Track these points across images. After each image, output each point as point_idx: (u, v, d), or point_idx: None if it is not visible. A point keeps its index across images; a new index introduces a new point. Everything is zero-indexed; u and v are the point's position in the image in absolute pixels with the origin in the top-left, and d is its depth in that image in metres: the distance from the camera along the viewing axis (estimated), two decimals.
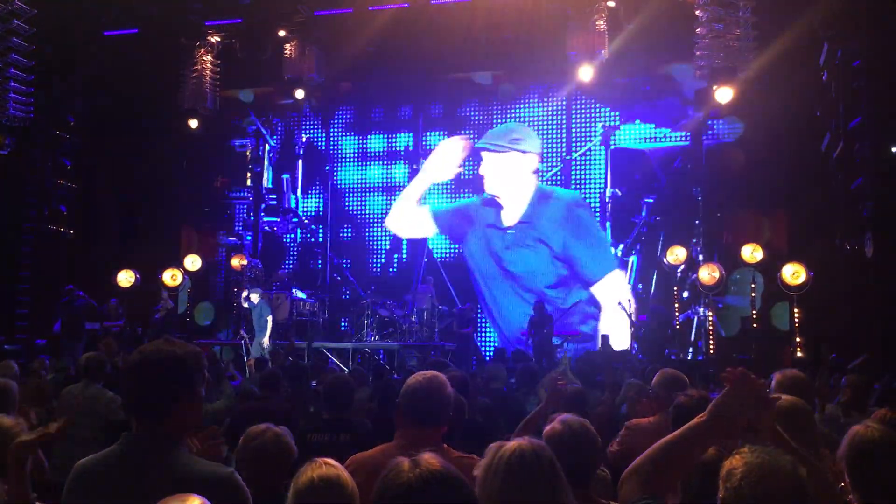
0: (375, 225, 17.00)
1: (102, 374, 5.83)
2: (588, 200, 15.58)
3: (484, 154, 15.27)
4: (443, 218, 15.96)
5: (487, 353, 14.71)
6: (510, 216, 15.27)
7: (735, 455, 1.87)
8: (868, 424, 2.53)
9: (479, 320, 15.57)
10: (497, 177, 15.22)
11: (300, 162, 17.56)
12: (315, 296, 15.69)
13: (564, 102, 15.87)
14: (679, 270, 13.95)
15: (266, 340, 13.20)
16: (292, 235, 17.60)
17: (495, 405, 5.53)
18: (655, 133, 15.36)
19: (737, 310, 13.62)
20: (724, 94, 12.39)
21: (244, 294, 14.38)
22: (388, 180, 16.98)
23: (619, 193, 15.15)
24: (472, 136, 15.88)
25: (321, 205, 17.40)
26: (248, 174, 17.48)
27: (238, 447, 2.98)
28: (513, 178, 15.15)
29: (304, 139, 17.58)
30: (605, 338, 12.95)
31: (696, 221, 14.46)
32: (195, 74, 15.35)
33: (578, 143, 15.78)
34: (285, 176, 17.38)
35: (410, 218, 15.97)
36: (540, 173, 15.40)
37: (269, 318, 13.44)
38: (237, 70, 15.88)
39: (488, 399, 5.63)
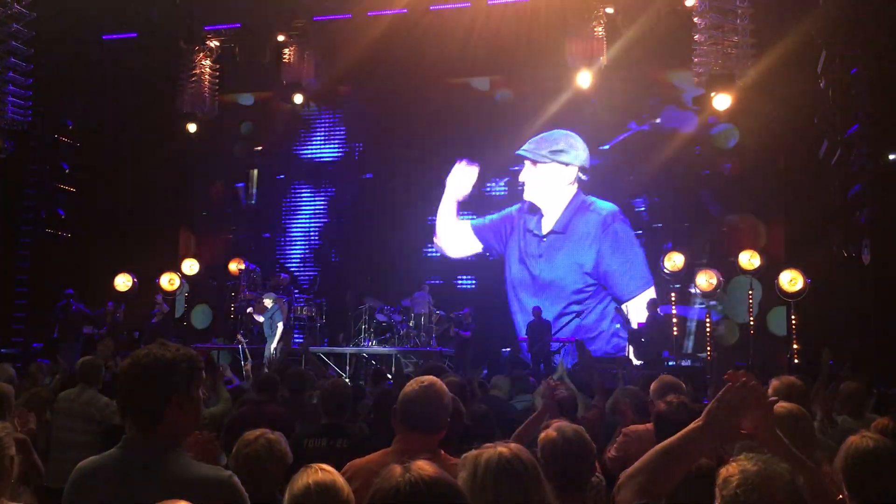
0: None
1: (98, 379, 5.81)
2: None
3: (526, 161, 15.33)
4: (483, 232, 16.04)
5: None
6: (547, 224, 15.38)
7: (731, 462, 1.85)
8: (864, 434, 2.53)
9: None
10: (536, 185, 15.34)
11: (255, 171, 17.76)
12: (312, 301, 15.69)
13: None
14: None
15: (274, 346, 13.20)
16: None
17: (492, 412, 5.50)
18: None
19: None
20: (721, 101, 12.43)
21: (254, 299, 14.34)
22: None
23: None
24: (473, 153, 15.98)
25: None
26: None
27: (232, 452, 2.97)
28: (551, 188, 15.25)
29: (258, 148, 17.66)
30: (581, 343, 13.14)
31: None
32: (194, 79, 15.35)
33: None
34: (239, 185, 17.57)
35: (452, 235, 16.09)
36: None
37: (280, 325, 13.44)
38: (236, 74, 15.91)
39: (486, 405, 5.61)
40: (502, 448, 2.01)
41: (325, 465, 2.32)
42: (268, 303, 13.65)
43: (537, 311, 13.26)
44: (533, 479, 1.98)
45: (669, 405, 3.35)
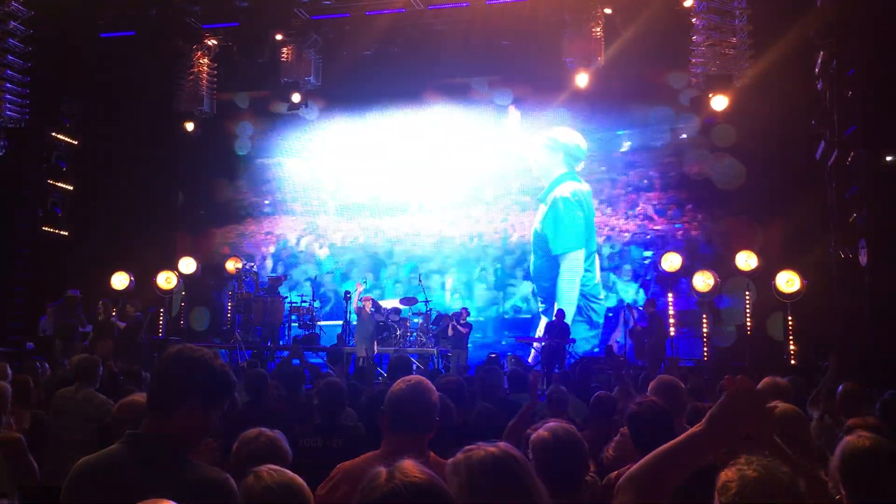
0: None
1: (95, 378, 5.80)
2: None
3: None
4: None
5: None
6: None
7: (731, 466, 1.80)
8: (860, 434, 2.52)
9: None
10: None
11: None
12: (310, 300, 15.68)
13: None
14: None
15: (375, 346, 13.27)
16: None
17: (497, 410, 5.48)
18: None
19: None
20: (719, 102, 12.44)
21: (355, 302, 14.22)
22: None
23: None
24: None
25: None
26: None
27: (232, 451, 2.96)
28: None
29: None
30: (609, 348, 13.06)
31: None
32: (191, 77, 15.34)
33: None
34: None
35: None
36: None
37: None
38: (234, 73, 15.89)
39: (491, 404, 5.59)
40: (491, 448, 1.89)
41: (272, 467, 2.16)
42: (367, 306, 13.52)
43: (560, 314, 13.34)
44: (515, 480, 1.86)
45: (640, 406, 3.34)
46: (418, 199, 16.94)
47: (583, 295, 13.87)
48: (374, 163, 17.18)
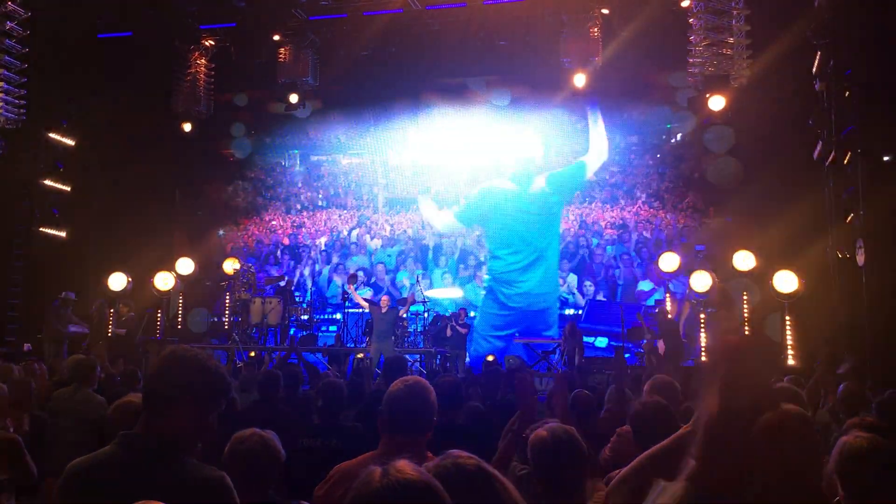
0: None
1: (92, 379, 5.80)
2: None
3: None
4: None
5: None
6: None
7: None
8: (856, 434, 2.52)
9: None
10: None
11: None
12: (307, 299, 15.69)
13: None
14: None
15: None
16: None
17: (491, 410, 5.48)
18: None
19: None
20: (716, 102, 12.44)
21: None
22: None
23: None
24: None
25: None
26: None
27: (225, 451, 2.96)
28: None
29: None
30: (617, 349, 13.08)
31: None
32: (189, 78, 15.33)
33: None
34: None
35: None
36: None
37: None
38: (231, 74, 15.87)
39: (481, 404, 5.60)
40: (449, 460, 1.81)
41: None
42: (384, 301, 13.37)
43: (574, 319, 13.47)
44: (485, 488, 1.76)
45: (645, 406, 3.33)
46: (466, 192, 17.16)
47: (493, 278, 14.21)
48: (423, 157, 17.58)
